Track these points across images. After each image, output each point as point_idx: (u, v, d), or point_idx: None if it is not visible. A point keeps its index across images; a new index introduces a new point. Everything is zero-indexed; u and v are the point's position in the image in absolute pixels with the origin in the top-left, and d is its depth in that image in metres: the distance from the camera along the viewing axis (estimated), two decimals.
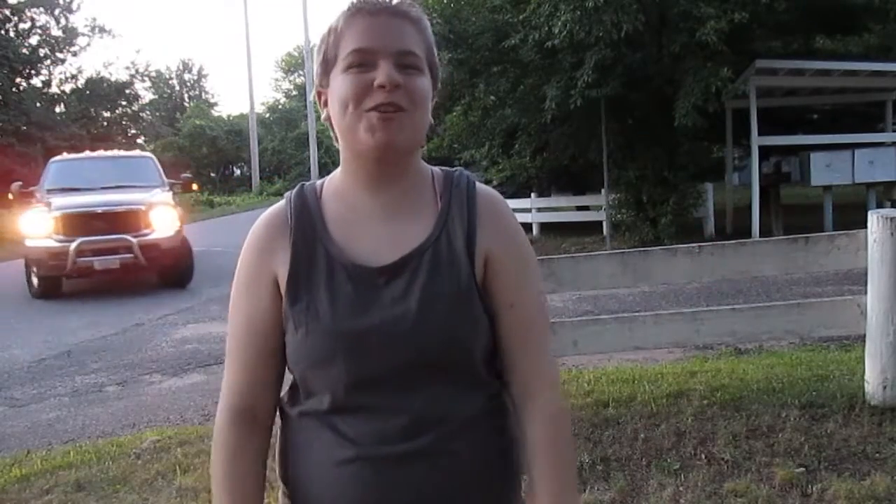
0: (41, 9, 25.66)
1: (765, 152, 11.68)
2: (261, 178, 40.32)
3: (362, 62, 0.98)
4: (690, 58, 9.81)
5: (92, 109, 28.53)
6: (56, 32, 26.79)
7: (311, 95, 1.10)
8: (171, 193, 10.37)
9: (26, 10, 25.16)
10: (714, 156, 14.58)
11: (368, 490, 0.99)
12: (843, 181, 10.78)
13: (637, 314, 4.17)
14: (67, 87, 27.99)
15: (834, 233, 3.56)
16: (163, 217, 9.49)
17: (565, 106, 10.21)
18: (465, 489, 1.01)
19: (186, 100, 55.20)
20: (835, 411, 3.30)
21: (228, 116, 49.76)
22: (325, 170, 31.10)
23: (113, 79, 29.86)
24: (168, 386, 5.23)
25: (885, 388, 3.27)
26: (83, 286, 9.80)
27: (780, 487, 2.72)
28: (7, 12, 24.32)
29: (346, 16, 1.01)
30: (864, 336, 3.39)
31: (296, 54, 52.95)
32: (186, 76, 56.56)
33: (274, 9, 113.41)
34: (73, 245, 8.86)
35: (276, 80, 58.78)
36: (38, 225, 9.13)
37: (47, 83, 27.30)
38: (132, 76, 31.55)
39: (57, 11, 26.29)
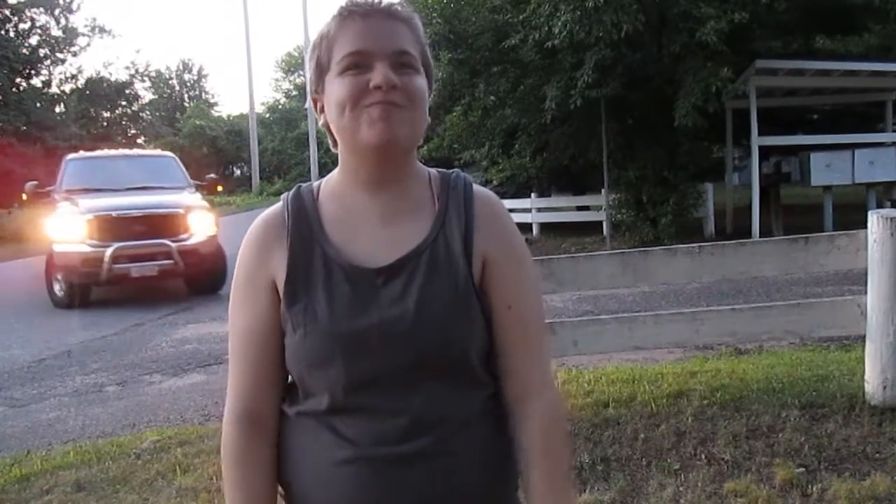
0: (41, 9, 25.71)
1: (765, 152, 11.68)
2: (261, 178, 40.37)
3: (358, 64, 0.98)
4: (690, 58, 9.81)
5: (92, 109, 28.62)
6: (56, 32, 26.87)
7: (308, 102, 1.09)
8: (199, 195, 9.69)
9: (26, 10, 25.21)
10: (714, 156, 14.59)
11: (367, 491, 0.99)
12: (843, 181, 10.77)
13: (637, 314, 4.16)
14: (67, 87, 28.10)
15: (834, 233, 3.56)
16: (201, 221, 8.88)
17: (565, 106, 10.21)
18: (463, 490, 1.01)
19: (186, 100, 55.28)
20: (835, 411, 3.30)
21: (228, 116, 49.93)
22: (325, 170, 31.02)
23: (113, 79, 30.01)
24: (168, 386, 5.23)
25: (885, 388, 3.26)
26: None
27: (780, 487, 2.71)
28: (7, 12, 24.36)
29: (338, 20, 1.01)
30: (864, 336, 3.38)
31: (295, 54, 53.02)
32: (186, 76, 56.69)
33: (274, 9, 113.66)
34: (110, 251, 8.14)
35: (276, 80, 58.90)
36: (68, 228, 8.35)
37: (47, 83, 27.38)
38: (132, 76, 31.69)
39: (57, 11, 26.36)
